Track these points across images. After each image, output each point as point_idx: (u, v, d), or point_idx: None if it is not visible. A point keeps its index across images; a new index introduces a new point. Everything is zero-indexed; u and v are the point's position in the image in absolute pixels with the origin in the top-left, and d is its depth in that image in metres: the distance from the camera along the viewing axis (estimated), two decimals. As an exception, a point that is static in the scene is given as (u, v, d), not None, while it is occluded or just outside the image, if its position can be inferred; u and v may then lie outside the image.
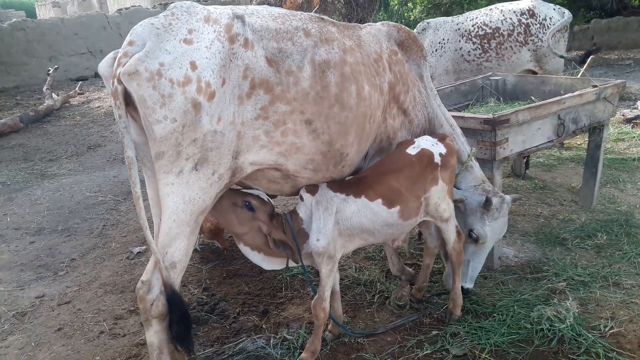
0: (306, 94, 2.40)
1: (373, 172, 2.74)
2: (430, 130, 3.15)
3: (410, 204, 2.71)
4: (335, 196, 2.60)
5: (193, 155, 2.18)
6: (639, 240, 3.88)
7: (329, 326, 3.07)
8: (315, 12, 17.66)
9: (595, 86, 4.09)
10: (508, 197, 3.13)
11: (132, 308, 3.46)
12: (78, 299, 3.60)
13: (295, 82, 2.36)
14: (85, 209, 5.25)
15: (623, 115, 7.47)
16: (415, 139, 2.88)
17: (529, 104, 4.59)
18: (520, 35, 5.84)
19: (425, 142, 2.83)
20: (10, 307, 3.53)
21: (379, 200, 2.62)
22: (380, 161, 2.85)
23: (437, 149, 2.82)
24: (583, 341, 2.79)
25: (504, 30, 5.84)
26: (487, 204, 3.01)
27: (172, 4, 2.26)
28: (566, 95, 3.85)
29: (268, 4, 19.23)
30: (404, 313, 3.24)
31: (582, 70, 6.39)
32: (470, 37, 6.00)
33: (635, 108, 8.21)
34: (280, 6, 19.32)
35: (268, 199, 2.61)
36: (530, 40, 5.86)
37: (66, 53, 14.68)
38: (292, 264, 2.71)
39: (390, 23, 3.05)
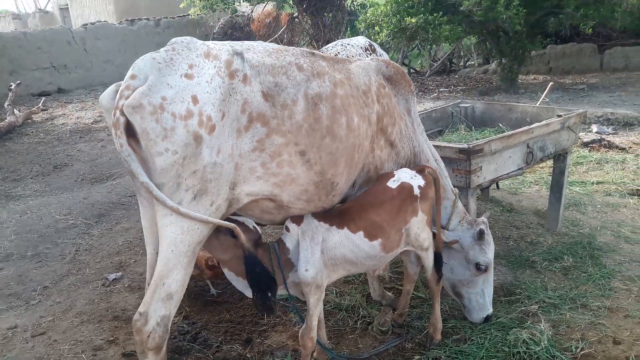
0: (300, 127, 2.47)
1: (356, 205, 2.82)
2: (416, 163, 3.24)
3: (391, 237, 2.79)
4: (320, 225, 2.67)
5: (193, 187, 2.21)
6: (602, 263, 4.10)
7: (314, 353, 3.10)
8: (283, 32, 17.89)
9: (560, 116, 4.32)
10: (485, 219, 3.27)
11: (111, 338, 3.40)
12: (53, 330, 3.51)
13: (290, 116, 2.43)
14: (55, 233, 5.12)
15: (580, 139, 7.84)
16: (395, 172, 2.98)
17: (497, 130, 4.82)
18: None
19: (405, 175, 2.93)
20: (-20, 339, 3.41)
21: (361, 233, 2.70)
22: (363, 194, 2.93)
23: (416, 181, 2.92)
24: (557, 363, 2.93)
25: None
26: (481, 235, 3.13)
27: (173, 39, 2.31)
28: (534, 125, 4.05)
29: (235, 24, 19.39)
30: (387, 338, 3.31)
31: (542, 96, 6.75)
32: None
33: (590, 131, 8.65)
34: (248, 25, 19.51)
35: (255, 226, 2.63)
36: None
37: (28, 67, 14.32)
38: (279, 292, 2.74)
39: (380, 58, 3.17)
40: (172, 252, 2.26)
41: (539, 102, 6.59)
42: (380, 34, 12.36)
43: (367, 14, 13.15)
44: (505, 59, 13.22)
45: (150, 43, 17.66)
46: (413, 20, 11.56)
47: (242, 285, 2.65)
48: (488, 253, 3.21)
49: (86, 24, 16.91)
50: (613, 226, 4.85)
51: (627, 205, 5.36)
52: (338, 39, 16.94)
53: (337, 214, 2.76)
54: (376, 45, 5.10)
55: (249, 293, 2.68)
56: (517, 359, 3.00)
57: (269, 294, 2.50)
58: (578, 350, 3.05)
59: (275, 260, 2.62)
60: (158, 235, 2.49)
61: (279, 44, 17.47)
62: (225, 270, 2.65)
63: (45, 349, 3.30)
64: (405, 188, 2.84)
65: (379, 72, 3.07)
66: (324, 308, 3.59)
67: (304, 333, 2.71)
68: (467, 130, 4.99)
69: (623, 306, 3.50)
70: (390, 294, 3.74)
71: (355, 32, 17.84)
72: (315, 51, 2.79)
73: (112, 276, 4.18)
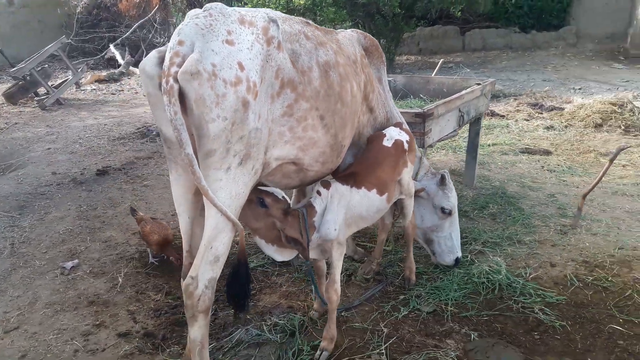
0: (318, 92, 2.64)
1: (364, 166, 3.07)
2: (388, 127, 3.57)
3: (392, 189, 3.13)
4: (345, 189, 2.89)
5: (239, 152, 2.28)
6: (521, 207, 4.85)
7: (315, 305, 3.33)
8: (155, 12, 17.01)
9: (479, 84, 4.97)
10: (446, 171, 3.74)
11: (97, 322, 3.28)
12: (27, 323, 3.27)
13: (309, 82, 2.59)
14: (-24, 229, 4.60)
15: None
16: (385, 131, 3.29)
17: (420, 101, 5.37)
18: None
19: (394, 133, 3.26)
20: (-55, 343, 3.07)
21: (374, 190, 2.99)
22: (364, 155, 3.18)
23: (403, 136, 3.27)
24: (516, 286, 3.51)
25: None
26: (442, 180, 3.58)
27: (208, 5, 2.31)
28: (463, 92, 4.62)
29: (101, 4, 17.96)
30: (370, 285, 3.65)
31: (434, 72, 7.54)
32: None
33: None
34: (116, 4, 18.20)
35: (284, 196, 2.72)
36: None
37: None
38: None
39: (358, 31, 3.40)
40: (221, 216, 2.30)
41: (433, 74, 7.37)
42: (268, 15, 12.46)
43: (255, -5, 13.14)
44: (383, 41, 14.16)
45: (4, 24, 15.72)
46: (302, 1, 11.88)
47: (271, 251, 2.74)
48: (450, 198, 3.68)
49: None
50: (516, 178, 5.70)
51: (521, 161, 6.30)
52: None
53: (351, 176, 2.98)
54: None
55: (278, 257, 2.79)
56: (483, 288, 3.53)
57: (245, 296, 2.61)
58: (528, 275, 3.68)
59: (303, 225, 2.73)
60: (192, 202, 2.53)
61: (154, 25, 16.33)
62: (257, 238, 2.73)
63: (28, 342, 3.08)
64: (399, 144, 3.17)
65: (359, 43, 3.32)
66: (306, 269, 3.82)
67: (329, 287, 2.90)
68: (395, 101, 5.45)
69: (548, 238, 4.24)
70: (360, 249, 4.08)
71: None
72: (310, 21, 2.95)
73: (68, 264, 3.94)
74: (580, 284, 3.55)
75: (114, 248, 4.30)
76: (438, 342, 3.02)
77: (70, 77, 11.13)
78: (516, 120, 8.01)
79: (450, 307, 3.33)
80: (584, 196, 4.40)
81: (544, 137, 7.20)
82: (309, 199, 2.89)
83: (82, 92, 12.05)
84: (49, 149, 7.29)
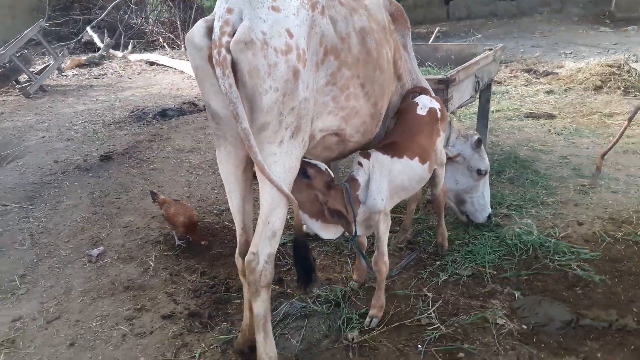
0: (357, 59, 2.57)
1: (403, 135, 3.00)
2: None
3: (432, 158, 3.10)
4: (386, 158, 2.83)
5: (291, 124, 2.22)
6: (538, 170, 4.90)
7: (354, 276, 3.33)
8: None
9: (490, 49, 4.95)
10: (475, 131, 3.75)
11: (138, 306, 3.23)
12: (67, 312, 3.21)
13: (349, 49, 2.52)
14: (-11, 222, 4.47)
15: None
16: (416, 100, 3.24)
17: (429, 68, 5.34)
18: None
19: (426, 101, 3.22)
20: (-14, 337, 3.00)
21: (417, 159, 2.94)
22: (401, 125, 3.10)
23: (435, 104, 3.24)
24: (549, 245, 3.55)
25: None
26: (479, 142, 3.59)
27: None
28: (479, 57, 4.60)
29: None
30: (403, 254, 3.66)
31: (431, 39, 7.52)
32: None
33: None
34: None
35: (327, 169, 2.63)
36: None
37: None
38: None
39: None
40: (276, 192, 2.24)
41: (430, 41, 7.35)
42: None
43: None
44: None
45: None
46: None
47: (316, 226, 2.65)
48: (485, 159, 3.70)
49: None
50: (525, 143, 5.75)
51: (527, 126, 6.35)
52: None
53: (391, 146, 2.91)
54: None
55: (323, 234, 2.69)
56: (517, 249, 3.56)
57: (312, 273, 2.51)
58: (558, 234, 3.73)
59: (347, 199, 2.65)
60: (242, 180, 2.46)
61: (129, 5, 15.80)
62: (300, 213, 2.60)
63: (73, 330, 3.03)
64: (433, 112, 3.14)
65: (385, 8, 3.25)
66: (334, 242, 3.80)
67: (378, 259, 2.89)
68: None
69: (570, 198, 4.29)
70: (388, 219, 4.08)
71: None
72: None
73: (94, 252, 3.86)
74: (611, 240, 3.61)
75: (136, 233, 4.23)
76: (483, 303, 3.06)
77: (50, 62, 10.75)
78: (515, 86, 8.05)
79: (488, 269, 3.36)
80: (603, 155, 4.47)
81: (545, 102, 7.25)
82: (350, 172, 2.82)
83: (64, 77, 11.72)
84: (43, 137, 7.08)
